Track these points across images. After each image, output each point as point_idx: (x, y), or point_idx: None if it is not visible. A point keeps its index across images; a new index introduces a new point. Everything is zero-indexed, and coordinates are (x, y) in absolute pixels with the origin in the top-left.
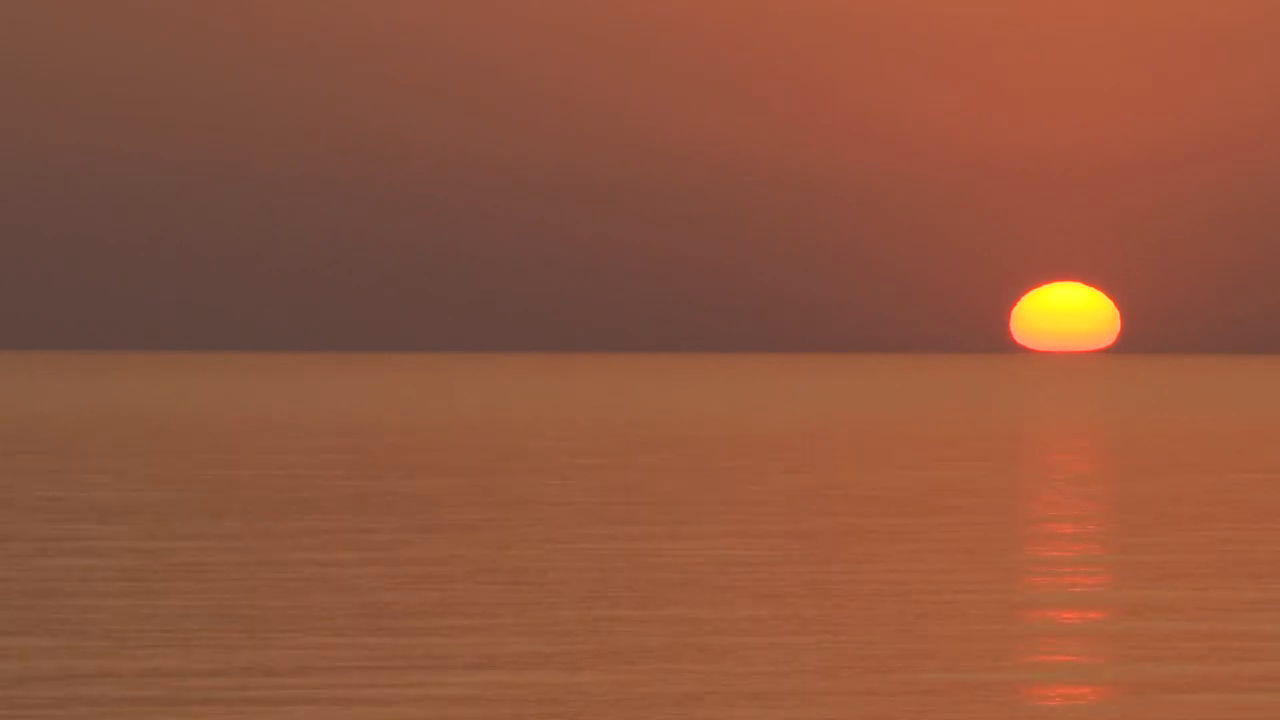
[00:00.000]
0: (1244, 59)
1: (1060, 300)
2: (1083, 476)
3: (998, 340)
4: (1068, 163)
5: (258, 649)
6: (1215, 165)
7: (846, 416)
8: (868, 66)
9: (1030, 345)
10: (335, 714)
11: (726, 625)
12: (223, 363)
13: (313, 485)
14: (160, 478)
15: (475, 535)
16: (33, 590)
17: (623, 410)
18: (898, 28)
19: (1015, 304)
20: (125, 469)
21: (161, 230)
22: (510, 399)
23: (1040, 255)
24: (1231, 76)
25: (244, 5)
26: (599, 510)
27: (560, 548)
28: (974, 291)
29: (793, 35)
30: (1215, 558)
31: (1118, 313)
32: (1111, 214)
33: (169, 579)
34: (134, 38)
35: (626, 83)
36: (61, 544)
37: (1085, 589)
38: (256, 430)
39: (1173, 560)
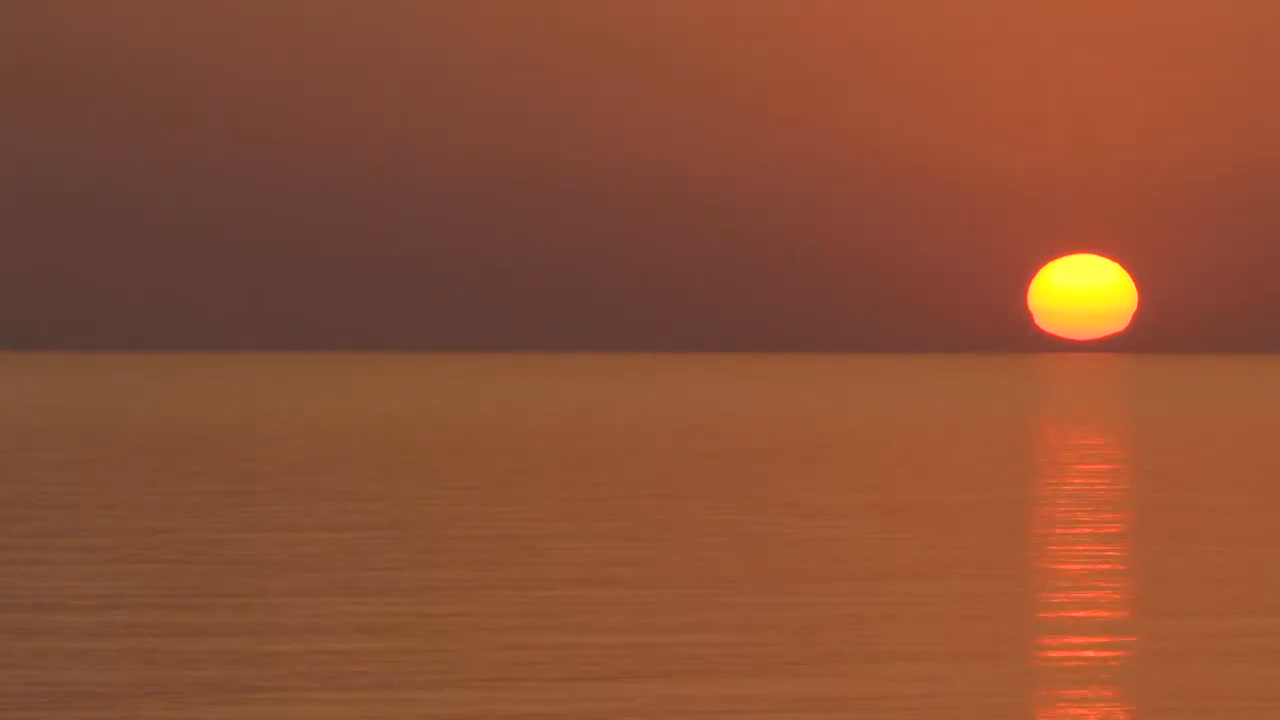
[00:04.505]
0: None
1: (1077, 276)
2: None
3: (1015, 316)
4: (1073, 150)
5: None
6: (1221, 153)
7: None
8: (866, 71)
9: (1048, 327)
10: None
11: None
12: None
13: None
14: None
15: None
16: None
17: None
18: (901, 32)
19: (1033, 277)
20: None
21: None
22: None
23: (1055, 229)
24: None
25: (249, 7)
26: None
27: None
28: (991, 268)
29: (796, 36)
30: None
31: (1134, 287)
32: (1123, 190)
33: None
34: (138, 38)
35: (636, 85)
36: None
37: None
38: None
39: None
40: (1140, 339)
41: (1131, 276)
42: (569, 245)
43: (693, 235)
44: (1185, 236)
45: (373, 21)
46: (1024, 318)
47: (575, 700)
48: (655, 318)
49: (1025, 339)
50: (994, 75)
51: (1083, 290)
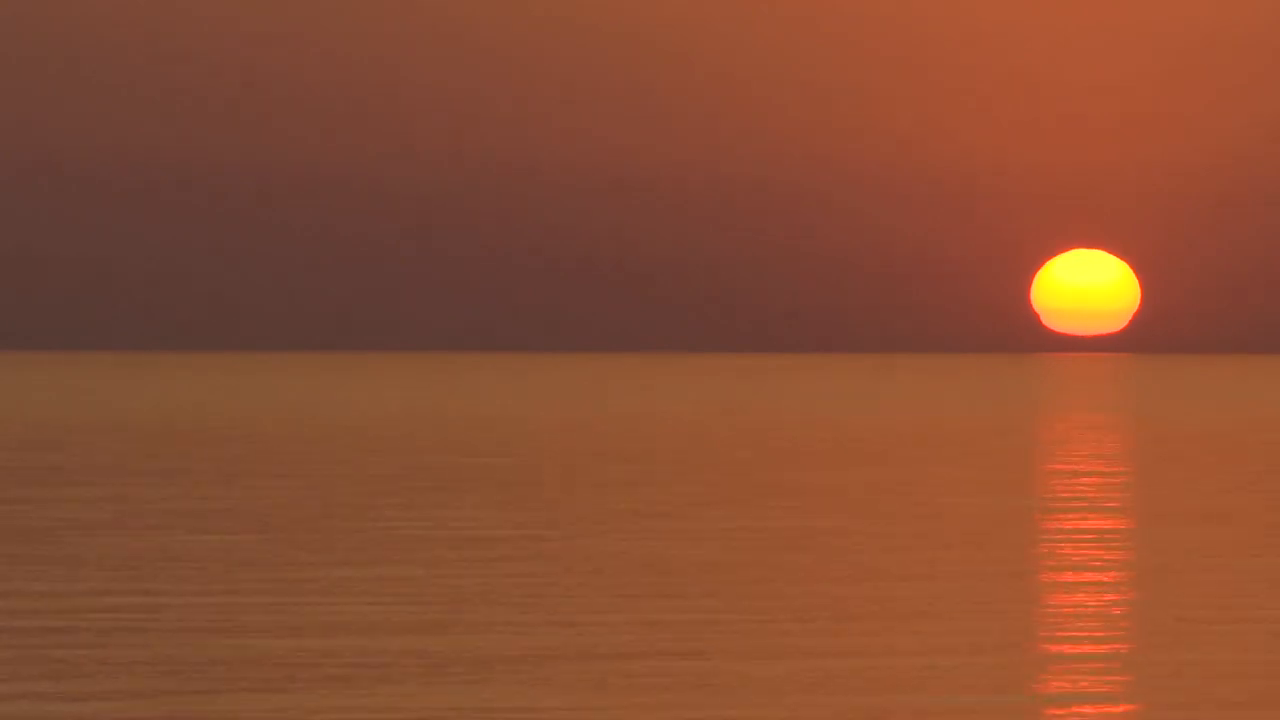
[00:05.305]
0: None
1: (1080, 272)
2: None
3: (1018, 312)
4: (1073, 145)
5: None
6: (1225, 145)
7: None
8: (867, 70)
9: (1051, 324)
10: None
11: None
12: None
13: None
14: None
15: None
16: None
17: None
18: (901, 30)
19: (1036, 273)
20: None
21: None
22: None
23: (1057, 224)
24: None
25: (252, 8)
26: None
27: None
28: (994, 265)
29: (797, 36)
30: None
31: (1138, 283)
32: (1125, 185)
33: None
34: (142, 38)
35: (638, 85)
36: None
37: None
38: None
39: None
40: (1143, 336)
41: (1135, 272)
42: (567, 244)
43: (692, 235)
44: (1189, 232)
45: (371, 21)
46: (1027, 314)
47: None
48: (655, 318)
49: (1029, 336)
50: (996, 69)
51: (1086, 287)
